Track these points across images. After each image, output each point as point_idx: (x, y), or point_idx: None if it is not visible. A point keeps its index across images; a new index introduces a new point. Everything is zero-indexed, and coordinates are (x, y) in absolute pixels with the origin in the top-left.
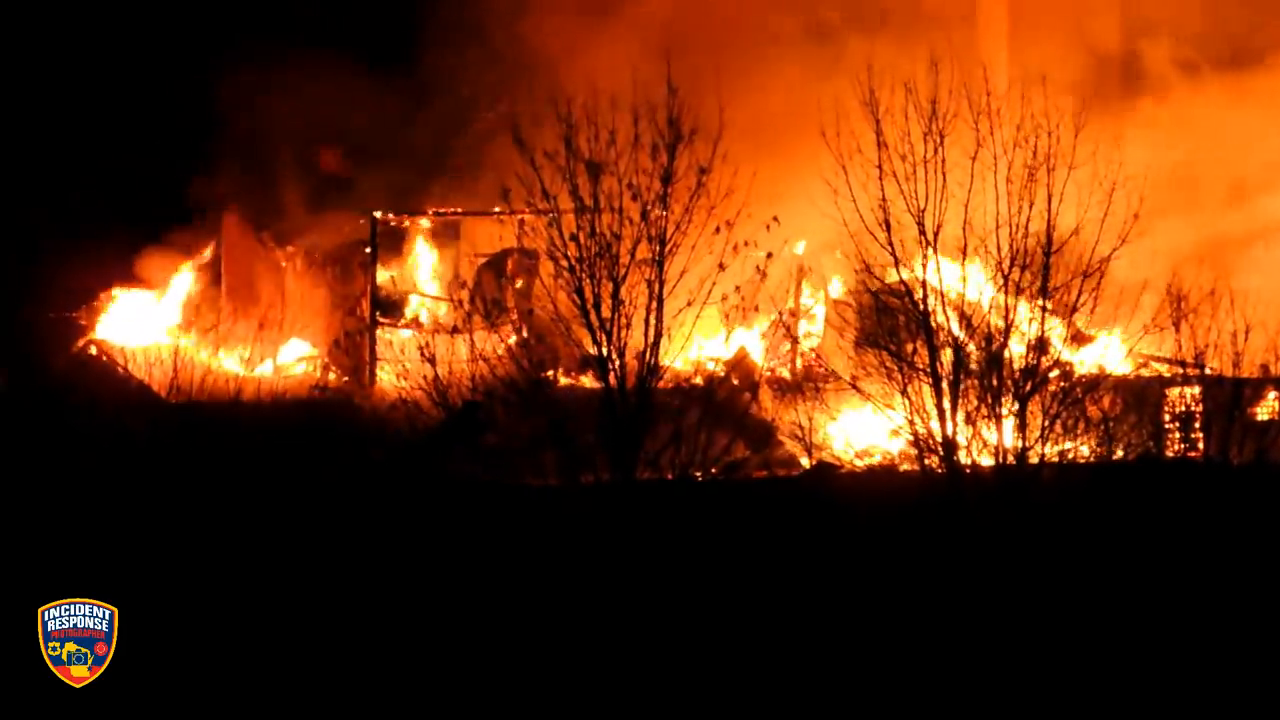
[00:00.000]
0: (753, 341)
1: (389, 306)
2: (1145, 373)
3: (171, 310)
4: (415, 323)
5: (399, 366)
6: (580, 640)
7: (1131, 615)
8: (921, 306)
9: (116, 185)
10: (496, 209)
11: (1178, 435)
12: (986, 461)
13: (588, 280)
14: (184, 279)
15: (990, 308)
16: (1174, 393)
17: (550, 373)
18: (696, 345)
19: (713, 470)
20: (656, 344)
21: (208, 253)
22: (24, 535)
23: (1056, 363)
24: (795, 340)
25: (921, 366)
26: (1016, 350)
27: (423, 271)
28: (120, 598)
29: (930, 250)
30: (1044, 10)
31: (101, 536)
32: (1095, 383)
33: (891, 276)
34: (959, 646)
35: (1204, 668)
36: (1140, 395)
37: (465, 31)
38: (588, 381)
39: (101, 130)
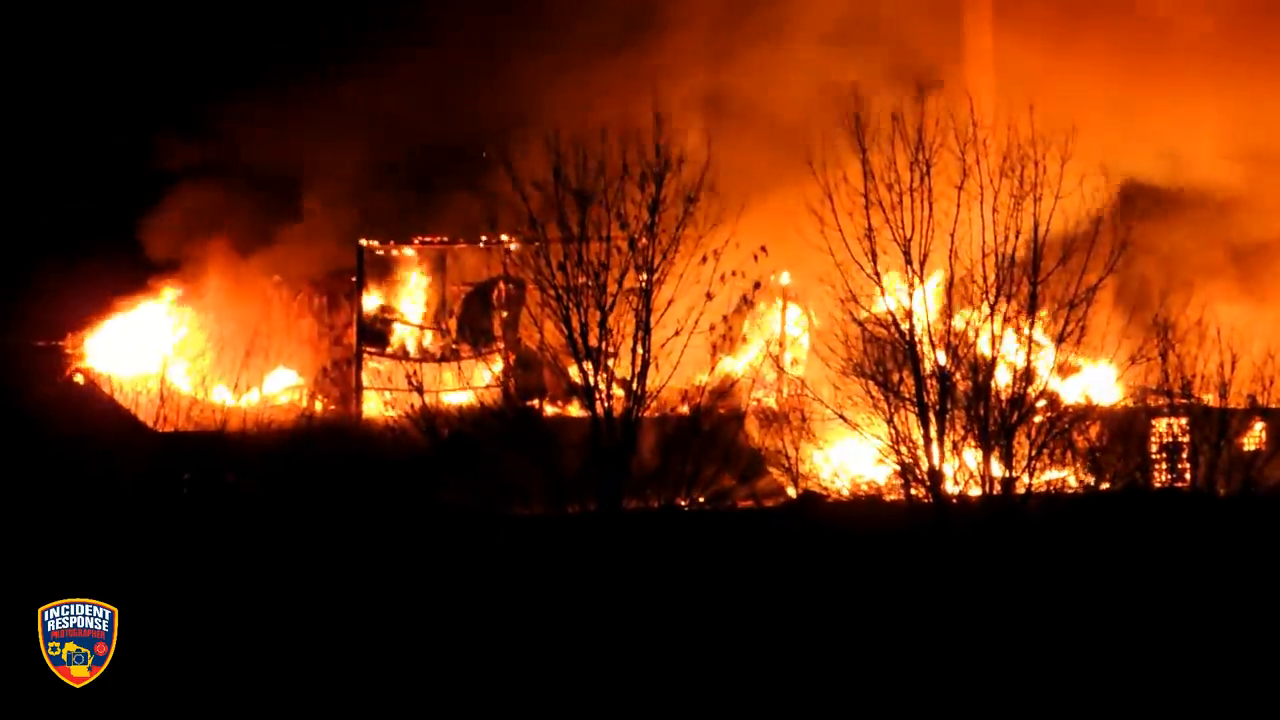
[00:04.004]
0: (740, 370)
1: (376, 335)
2: (1132, 403)
3: (158, 339)
4: (402, 351)
5: (386, 395)
6: (568, 668)
7: (1119, 645)
8: (908, 336)
9: (102, 213)
10: (484, 238)
11: (1165, 465)
12: (973, 491)
13: (575, 309)
14: (171, 308)
15: (976, 337)
16: (1161, 423)
17: (537, 401)
18: (683, 374)
19: (698, 499)
20: (643, 373)
21: (195, 282)
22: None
23: (1043, 393)
24: (781, 370)
25: (908, 396)
26: (1003, 380)
27: (410, 300)
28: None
29: (917, 279)
30: (1030, 41)
31: (89, 562)
32: (1082, 413)
33: (878, 306)
34: (945, 675)
35: (1192, 694)
36: (1127, 426)
37: (455, 62)
38: (574, 410)
39: (89, 158)
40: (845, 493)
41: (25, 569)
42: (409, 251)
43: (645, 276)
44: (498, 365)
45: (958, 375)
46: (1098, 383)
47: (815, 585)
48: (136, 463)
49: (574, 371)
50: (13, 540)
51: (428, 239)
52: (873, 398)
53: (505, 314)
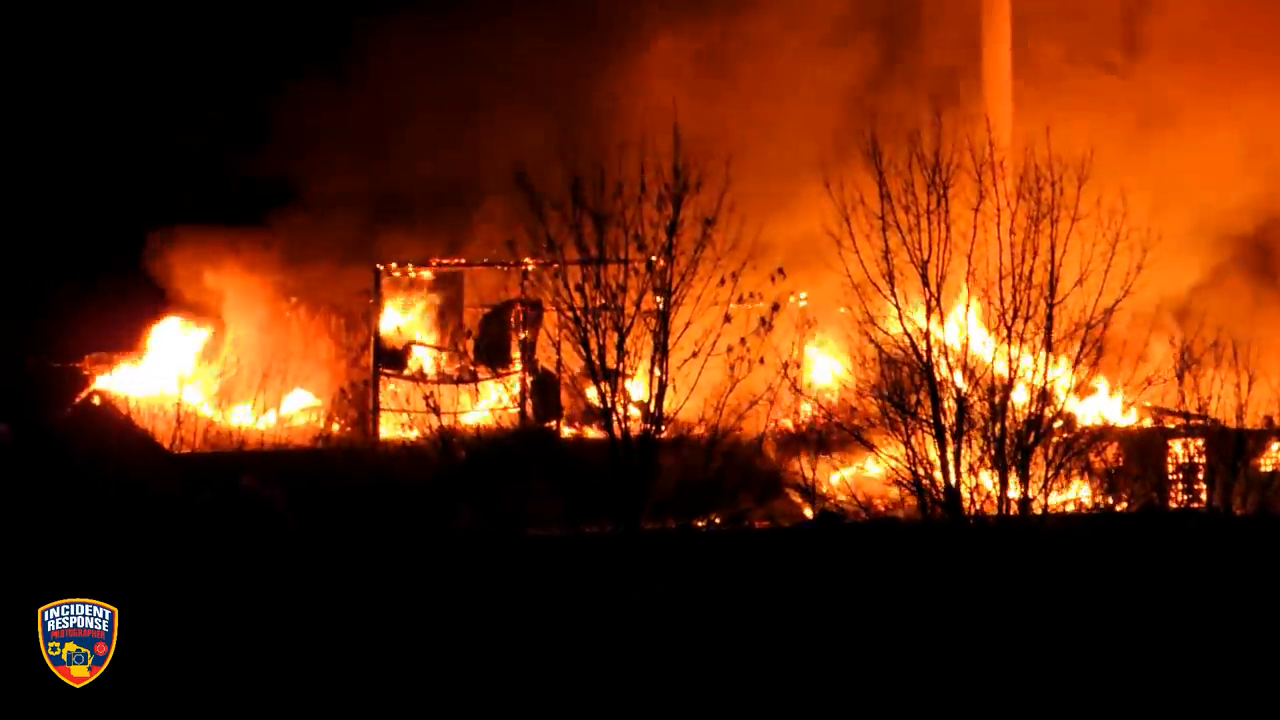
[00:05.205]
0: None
1: (393, 357)
2: (1148, 424)
3: (176, 361)
4: (419, 373)
5: (403, 417)
6: (586, 688)
7: (1136, 666)
8: (925, 358)
9: (121, 235)
10: (501, 260)
11: (1181, 486)
12: (990, 512)
13: (592, 331)
14: (188, 330)
15: (994, 359)
16: (1177, 444)
17: (554, 423)
18: (701, 396)
19: (716, 520)
20: (661, 395)
21: (213, 304)
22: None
23: (1059, 414)
24: (799, 391)
25: (925, 418)
26: (1020, 400)
27: (427, 322)
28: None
29: (933, 301)
30: (1047, 62)
31: (98, 569)
32: (1099, 434)
33: (895, 328)
34: (964, 696)
35: (1209, 714)
36: (1143, 446)
37: (471, 83)
38: (592, 432)
39: (105, 180)
40: (863, 514)
41: (29, 572)
42: (426, 273)
43: (663, 298)
44: (515, 387)
45: (974, 397)
46: (1114, 404)
47: (833, 605)
48: (151, 482)
49: (591, 393)
50: (17, 545)
51: (445, 260)
52: (890, 419)
53: (522, 335)
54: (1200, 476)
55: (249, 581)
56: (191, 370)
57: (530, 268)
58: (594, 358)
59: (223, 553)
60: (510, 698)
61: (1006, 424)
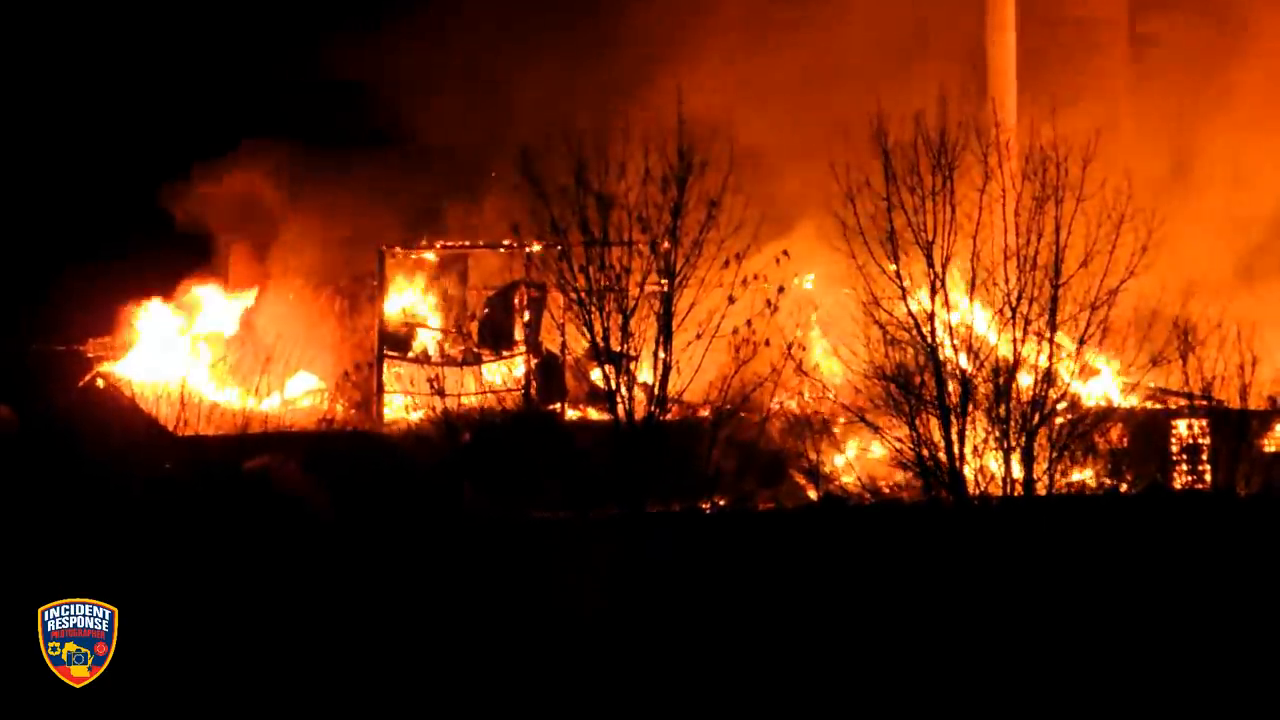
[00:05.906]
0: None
1: (397, 339)
2: (1152, 405)
3: (180, 343)
4: (423, 355)
5: (407, 399)
6: (590, 670)
7: (1140, 645)
8: (930, 339)
9: (125, 217)
10: (505, 242)
11: (1185, 467)
12: (994, 493)
13: (596, 313)
14: (193, 312)
15: (998, 340)
16: (1181, 425)
17: (558, 405)
18: (705, 378)
19: (720, 502)
20: (665, 377)
21: (217, 286)
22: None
23: (1064, 395)
24: (804, 373)
25: (929, 399)
26: (1024, 382)
27: (431, 304)
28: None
29: (938, 283)
30: (1053, 44)
31: (102, 562)
32: (1103, 415)
33: (900, 309)
34: (967, 677)
35: (1211, 696)
36: (1148, 427)
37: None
38: (596, 414)
39: (111, 162)
40: (867, 495)
41: (31, 566)
42: (430, 255)
43: (667, 280)
44: (519, 369)
45: (979, 378)
46: (1118, 384)
47: (837, 588)
48: (156, 467)
49: (596, 375)
50: (21, 536)
51: (449, 243)
52: (894, 400)
53: (527, 317)
54: (1204, 457)
55: (256, 570)
56: (196, 351)
57: (535, 250)
58: (598, 340)
59: (232, 541)
60: (514, 683)
61: (1011, 405)
